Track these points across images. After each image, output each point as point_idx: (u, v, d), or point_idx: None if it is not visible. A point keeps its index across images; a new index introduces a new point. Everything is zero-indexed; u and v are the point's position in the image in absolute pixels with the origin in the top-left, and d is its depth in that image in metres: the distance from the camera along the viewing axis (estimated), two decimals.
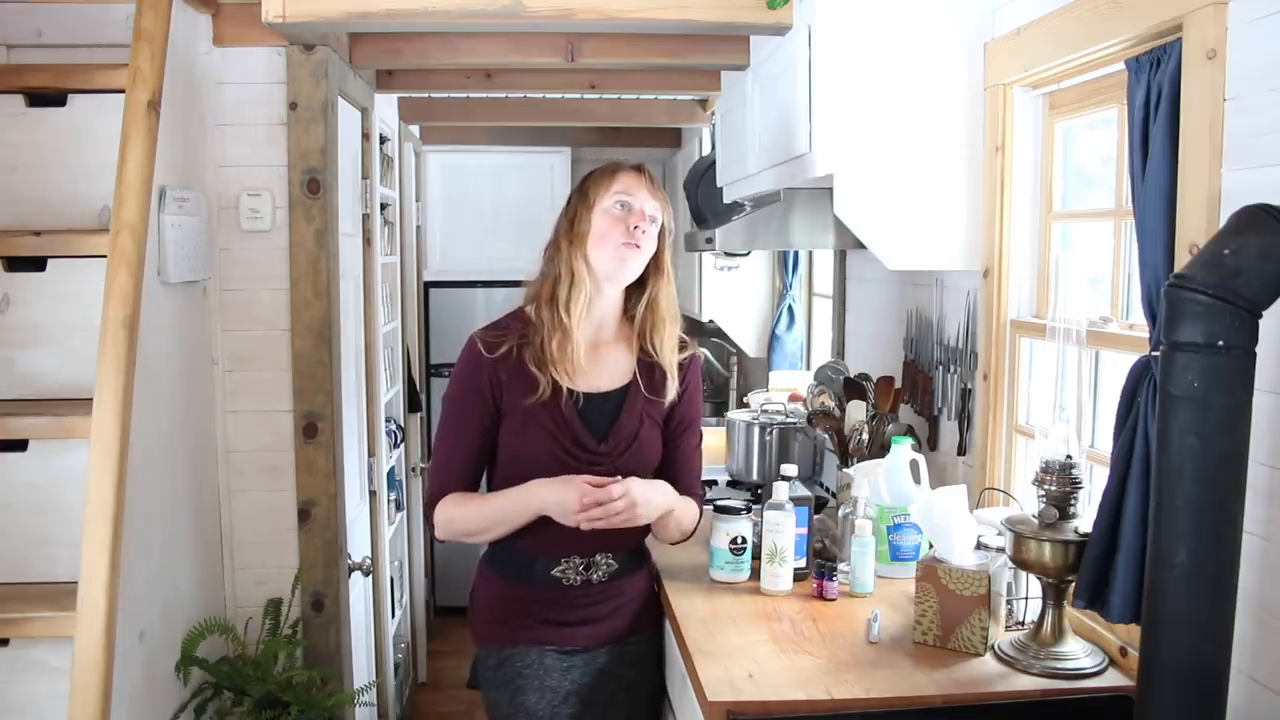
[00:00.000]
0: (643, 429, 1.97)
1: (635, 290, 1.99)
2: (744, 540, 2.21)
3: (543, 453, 1.90)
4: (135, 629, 2.22)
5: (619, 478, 1.86)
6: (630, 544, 2.03)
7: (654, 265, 1.97)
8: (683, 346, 2.05)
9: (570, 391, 1.90)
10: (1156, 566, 1.38)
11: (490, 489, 1.99)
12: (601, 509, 1.82)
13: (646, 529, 2.01)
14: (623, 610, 2.04)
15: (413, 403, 4.50)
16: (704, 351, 4.82)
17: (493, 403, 1.92)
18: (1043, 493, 1.73)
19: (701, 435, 2.12)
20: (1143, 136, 1.64)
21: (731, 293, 4.29)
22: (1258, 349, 1.33)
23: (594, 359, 1.95)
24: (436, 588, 5.21)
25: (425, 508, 1.99)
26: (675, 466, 2.06)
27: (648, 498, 1.90)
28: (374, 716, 3.43)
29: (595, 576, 1.99)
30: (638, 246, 1.91)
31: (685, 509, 2.03)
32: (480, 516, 1.94)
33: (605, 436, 1.94)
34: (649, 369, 1.99)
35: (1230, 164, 1.49)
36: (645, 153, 5.51)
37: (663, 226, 1.96)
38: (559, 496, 1.85)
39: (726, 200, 3.36)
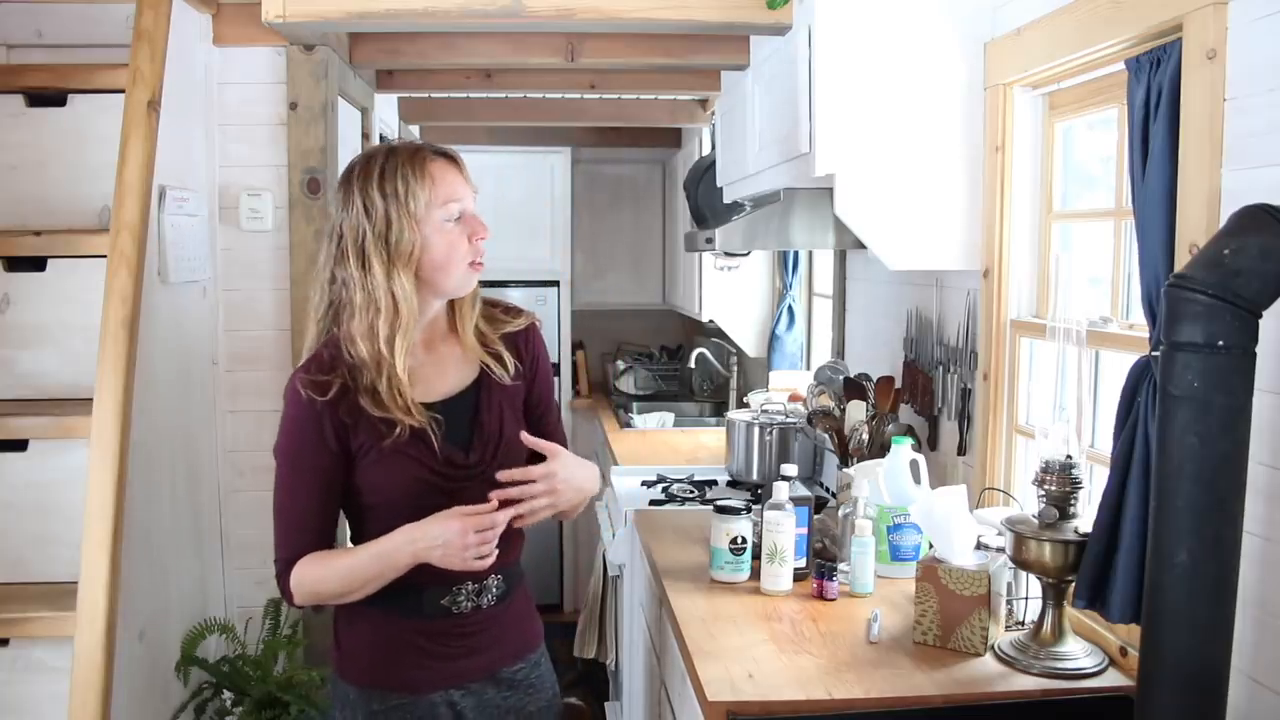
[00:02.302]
0: (505, 424, 1.70)
1: None
2: (744, 540, 2.21)
3: (410, 479, 1.62)
4: (135, 629, 2.22)
5: (495, 502, 1.58)
6: (518, 557, 1.78)
7: None
8: (515, 314, 1.79)
9: (425, 416, 1.62)
10: (1156, 566, 1.38)
11: (353, 530, 1.71)
12: (489, 536, 1.57)
13: (522, 542, 1.79)
14: (510, 631, 1.79)
15: None
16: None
17: (339, 448, 1.61)
18: (1043, 493, 1.73)
19: (559, 409, 1.82)
20: (1143, 136, 1.64)
21: (731, 293, 4.29)
22: (1258, 349, 1.33)
23: (434, 363, 1.70)
24: None
25: (278, 575, 1.66)
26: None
27: (570, 478, 1.66)
28: None
29: (485, 601, 1.72)
30: (482, 256, 1.65)
31: (593, 478, 1.78)
32: (347, 576, 1.62)
33: (469, 444, 1.67)
34: (492, 355, 1.73)
35: (1230, 164, 1.49)
36: (645, 152, 5.52)
37: None
38: (439, 536, 1.55)
39: (726, 200, 3.36)
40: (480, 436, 1.68)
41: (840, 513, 2.28)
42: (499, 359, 1.72)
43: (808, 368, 3.84)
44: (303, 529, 1.65)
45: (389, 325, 1.57)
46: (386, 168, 1.59)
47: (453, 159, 1.64)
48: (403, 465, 1.62)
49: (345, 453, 1.62)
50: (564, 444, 1.78)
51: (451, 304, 1.71)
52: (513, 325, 1.77)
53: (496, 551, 1.59)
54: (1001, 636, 1.86)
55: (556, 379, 5.17)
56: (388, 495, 1.64)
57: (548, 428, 1.79)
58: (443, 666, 1.72)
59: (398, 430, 1.60)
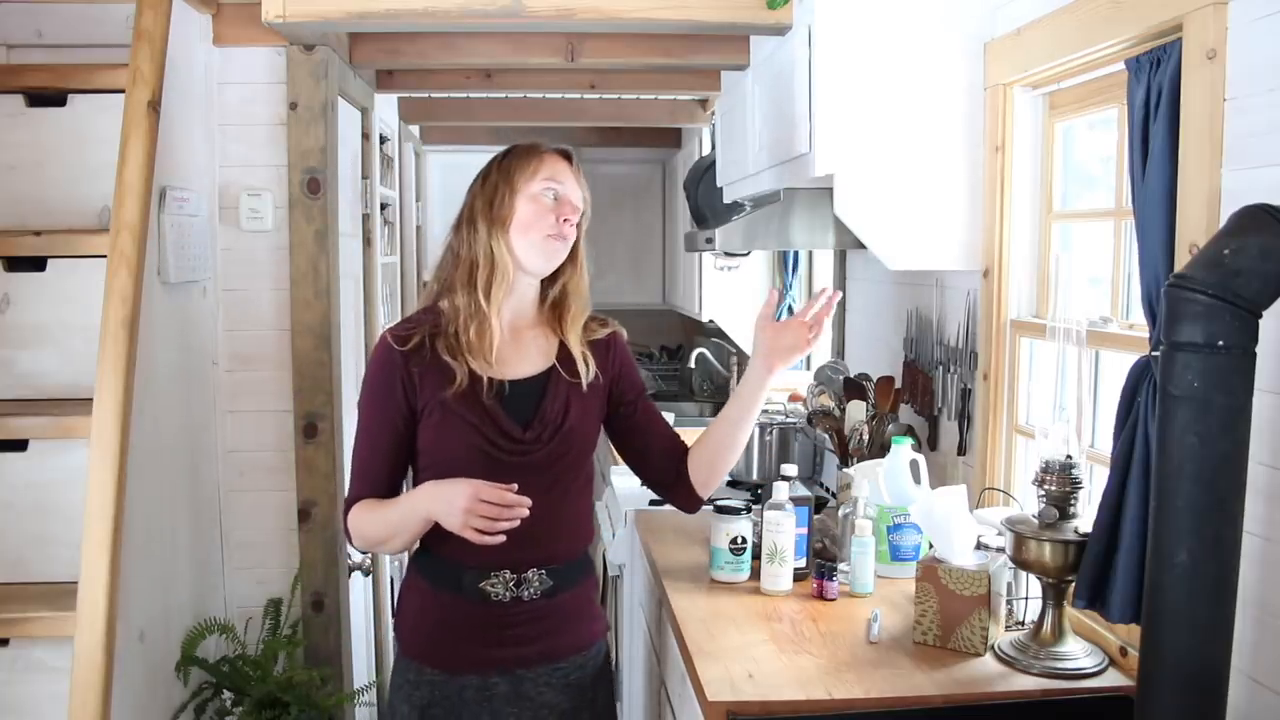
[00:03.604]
0: (570, 416, 1.83)
1: (550, 277, 1.89)
2: (744, 540, 2.21)
3: (465, 445, 1.76)
4: (135, 629, 2.22)
5: (515, 485, 1.67)
6: (570, 556, 1.86)
7: (569, 253, 1.86)
8: (602, 324, 1.95)
9: (490, 381, 1.77)
10: (1156, 566, 1.38)
11: None
12: (493, 514, 1.64)
13: (587, 537, 1.90)
14: (559, 629, 1.85)
15: None
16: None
17: (406, 402, 1.78)
18: (1043, 493, 1.73)
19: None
20: (1143, 136, 1.64)
21: (731, 293, 4.29)
22: (1258, 349, 1.33)
23: (515, 345, 1.85)
24: None
25: (343, 517, 1.85)
26: (651, 431, 1.98)
27: None
28: (374, 716, 3.43)
29: (527, 594, 1.80)
30: (564, 238, 1.81)
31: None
32: (382, 523, 1.78)
33: (529, 424, 1.79)
34: (571, 356, 1.87)
35: (1230, 164, 1.49)
36: (645, 153, 5.52)
37: (582, 215, 1.87)
38: (448, 495, 1.67)
39: (726, 200, 3.36)
40: (540, 419, 1.81)
41: (840, 513, 2.28)
42: (579, 360, 1.87)
43: (808, 368, 3.84)
44: (365, 474, 1.83)
45: (486, 277, 1.78)
46: (509, 154, 1.86)
47: (564, 155, 1.86)
48: (459, 429, 1.76)
49: (411, 407, 1.79)
50: (662, 421, 2.02)
51: (557, 302, 1.89)
52: (598, 334, 1.94)
53: (502, 538, 1.66)
54: (1001, 636, 1.86)
55: None
56: (441, 457, 1.78)
57: (650, 412, 1.98)
58: (479, 652, 1.81)
59: (458, 380, 1.75)
